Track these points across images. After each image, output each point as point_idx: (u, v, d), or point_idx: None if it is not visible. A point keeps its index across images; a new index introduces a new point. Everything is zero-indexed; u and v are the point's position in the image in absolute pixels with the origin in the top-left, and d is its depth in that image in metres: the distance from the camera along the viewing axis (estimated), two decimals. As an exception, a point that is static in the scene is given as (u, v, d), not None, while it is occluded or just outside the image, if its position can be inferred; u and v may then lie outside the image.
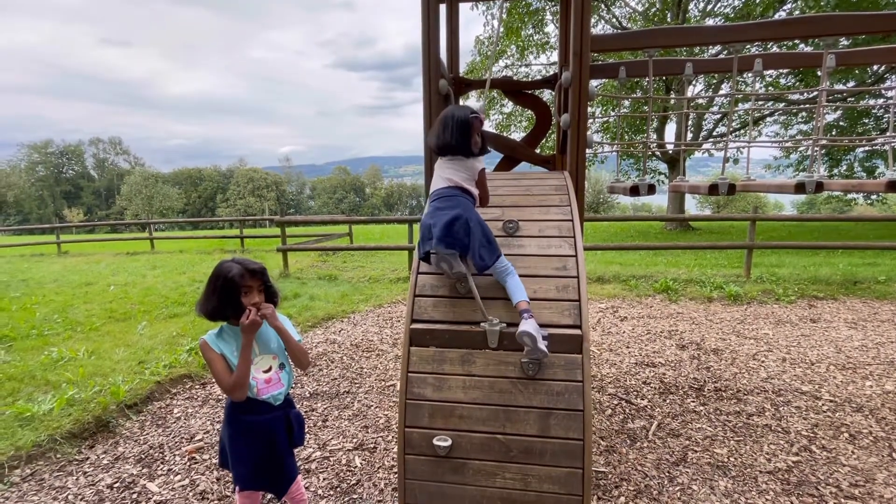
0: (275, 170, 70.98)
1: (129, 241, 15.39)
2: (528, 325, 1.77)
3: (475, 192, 2.03)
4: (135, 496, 2.45)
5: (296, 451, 1.90)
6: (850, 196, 23.39)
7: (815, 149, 2.93)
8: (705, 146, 14.04)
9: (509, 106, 17.16)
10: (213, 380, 3.93)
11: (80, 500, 2.42)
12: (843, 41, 11.76)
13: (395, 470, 2.61)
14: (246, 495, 1.82)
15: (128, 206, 52.96)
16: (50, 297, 6.95)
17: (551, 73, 3.49)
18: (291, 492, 1.88)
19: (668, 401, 3.48)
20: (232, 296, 1.65)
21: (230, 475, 2.61)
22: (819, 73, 2.67)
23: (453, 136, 1.97)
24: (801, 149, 17.73)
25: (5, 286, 7.99)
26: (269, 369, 1.76)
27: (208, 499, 2.43)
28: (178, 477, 2.61)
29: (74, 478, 2.61)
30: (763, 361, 4.23)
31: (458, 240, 1.83)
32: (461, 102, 3.38)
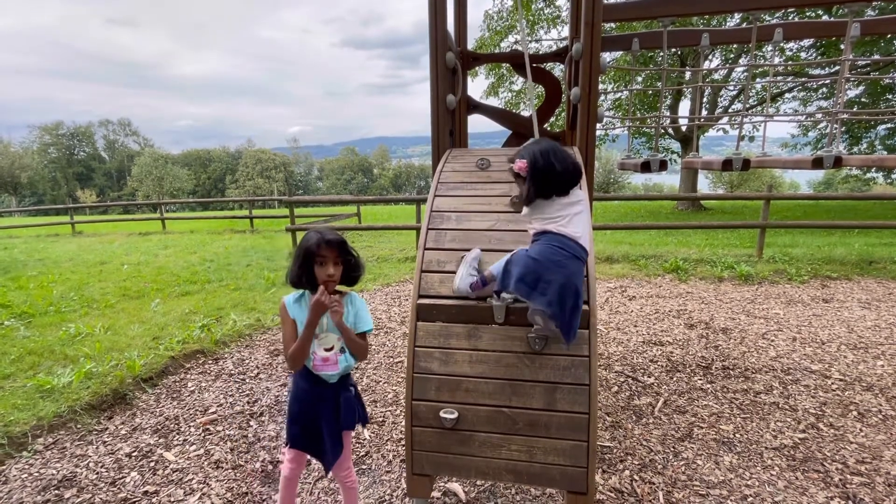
0: (283, 151, 70.94)
1: (141, 222, 15.56)
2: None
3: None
4: (152, 464, 2.54)
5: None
6: (869, 175, 22.81)
7: (835, 125, 2.84)
8: (721, 123, 13.67)
9: (518, 83, 16.82)
10: (225, 356, 4.02)
11: (101, 467, 2.51)
12: (870, 11, 11.25)
13: (403, 442, 2.67)
14: (292, 453, 1.83)
15: (139, 188, 53.40)
16: (66, 276, 7.09)
17: (562, 46, 3.39)
18: (342, 476, 1.90)
19: (675, 378, 3.49)
20: (308, 264, 1.66)
21: (245, 440, 2.69)
22: (842, 46, 2.57)
23: (574, 162, 1.77)
24: (819, 126, 17.24)
25: (23, 265, 8.17)
26: (332, 348, 1.72)
27: (223, 468, 2.51)
28: (194, 447, 2.70)
29: (94, 447, 2.71)
30: (773, 341, 4.20)
31: (564, 314, 1.66)
32: (469, 80, 3.31)
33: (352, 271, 1.74)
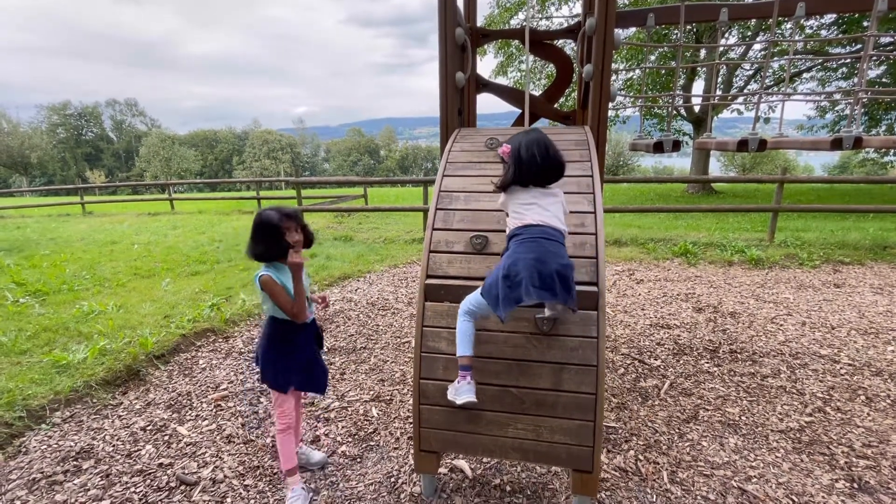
0: (289, 132, 70.53)
1: (150, 202, 15.67)
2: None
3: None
4: (166, 438, 2.61)
5: (316, 402, 2.25)
6: (886, 159, 22.25)
7: (856, 106, 2.75)
8: (736, 103, 13.34)
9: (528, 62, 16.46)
10: (235, 334, 4.08)
11: (117, 440, 2.58)
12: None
13: (411, 420, 2.71)
14: (292, 400, 2.10)
15: (147, 168, 53.65)
16: (78, 255, 7.19)
17: (574, 22, 3.30)
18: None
19: (681, 361, 3.49)
20: (277, 237, 1.90)
21: (256, 415, 2.75)
22: (866, 23, 2.47)
23: (558, 158, 1.77)
24: (838, 108, 16.76)
25: (35, 244, 8.29)
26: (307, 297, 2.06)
27: (234, 442, 2.57)
28: (206, 422, 2.76)
29: (110, 420, 2.78)
30: (781, 325, 4.18)
31: (571, 294, 1.67)
32: (478, 58, 3.24)
33: (310, 236, 2.07)
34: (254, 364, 2.21)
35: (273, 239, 1.90)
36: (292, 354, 2.06)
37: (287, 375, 2.05)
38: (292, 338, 2.05)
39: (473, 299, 1.79)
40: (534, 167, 1.76)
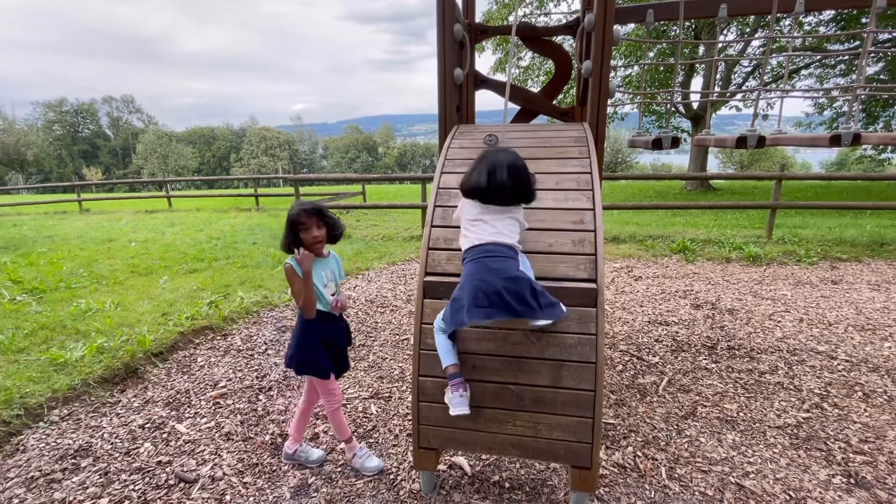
0: (287, 129, 70.29)
1: (148, 200, 15.60)
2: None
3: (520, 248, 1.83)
4: (165, 436, 2.60)
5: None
6: (883, 156, 22.30)
7: (854, 102, 2.74)
8: (734, 100, 13.33)
9: (527, 59, 16.44)
10: (234, 332, 4.08)
11: (115, 438, 2.58)
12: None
13: (410, 417, 2.71)
14: (333, 381, 2.24)
15: (144, 166, 53.40)
16: (75, 253, 7.16)
17: (573, 18, 3.29)
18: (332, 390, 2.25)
19: (679, 358, 3.50)
20: (294, 232, 2.01)
21: (254, 413, 2.75)
22: (864, 19, 2.46)
23: (516, 181, 1.75)
24: (835, 105, 16.77)
25: (32, 241, 8.25)
26: (335, 293, 2.19)
27: (233, 440, 2.56)
28: (205, 419, 2.76)
29: (108, 418, 2.77)
30: (779, 322, 4.19)
31: (531, 306, 1.63)
32: (476, 54, 3.23)
33: (333, 230, 2.13)
34: (286, 366, 2.26)
35: (291, 233, 2.02)
36: (321, 345, 2.17)
37: (323, 362, 2.17)
38: (322, 328, 2.16)
39: (442, 319, 1.84)
40: (471, 184, 1.79)
